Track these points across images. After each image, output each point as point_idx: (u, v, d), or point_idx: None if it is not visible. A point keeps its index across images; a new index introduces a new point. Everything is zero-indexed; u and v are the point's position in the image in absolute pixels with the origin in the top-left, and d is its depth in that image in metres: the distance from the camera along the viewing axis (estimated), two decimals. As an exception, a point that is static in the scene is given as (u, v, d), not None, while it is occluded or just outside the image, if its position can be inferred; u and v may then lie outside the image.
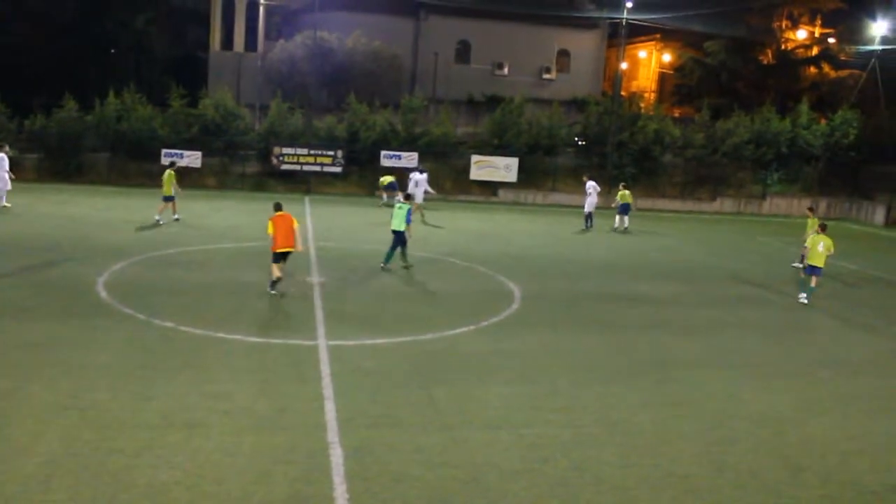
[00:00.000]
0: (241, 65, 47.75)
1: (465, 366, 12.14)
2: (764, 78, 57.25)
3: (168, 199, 24.64)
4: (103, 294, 15.14)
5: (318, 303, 15.49)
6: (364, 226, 26.87)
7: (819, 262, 18.59)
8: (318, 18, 41.94)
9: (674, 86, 64.79)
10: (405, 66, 48.85)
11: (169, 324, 13.25)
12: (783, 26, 60.76)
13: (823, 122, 44.27)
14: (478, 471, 8.51)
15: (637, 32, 53.71)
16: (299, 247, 16.09)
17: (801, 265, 21.69)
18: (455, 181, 38.25)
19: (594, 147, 41.24)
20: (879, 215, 40.15)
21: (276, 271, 15.85)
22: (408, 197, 21.34)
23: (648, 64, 71.21)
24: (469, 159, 38.09)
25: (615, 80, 46.07)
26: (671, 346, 14.25)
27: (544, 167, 39.70)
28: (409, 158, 36.35)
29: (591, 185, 30.09)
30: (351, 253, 21.46)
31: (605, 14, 49.54)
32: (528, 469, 8.65)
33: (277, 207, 16.18)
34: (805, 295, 18.80)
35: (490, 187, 38.32)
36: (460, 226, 28.77)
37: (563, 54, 55.70)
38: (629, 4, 41.60)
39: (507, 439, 9.42)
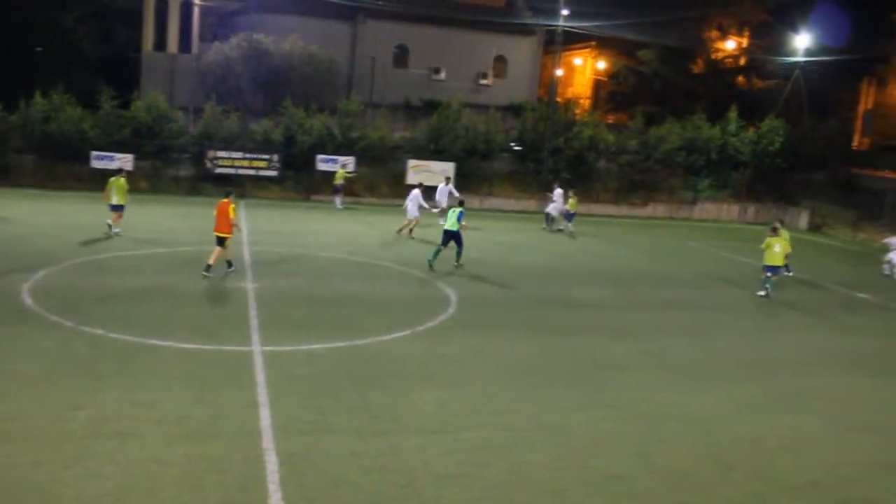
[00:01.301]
0: (175, 66, 46.85)
1: (402, 370, 12.13)
2: (695, 86, 58.66)
3: (117, 207, 22.80)
4: (28, 301, 14.68)
5: (252, 308, 15.30)
6: (300, 230, 26.65)
7: (777, 262, 20.72)
8: (254, 21, 41.45)
9: (608, 93, 65.90)
10: (342, 70, 48.56)
11: (98, 331, 12.92)
12: (713, 37, 62.42)
13: (752, 130, 45.54)
14: (413, 475, 8.52)
15: (573, 40, 54.42)
16: (226, 232, 17.80)
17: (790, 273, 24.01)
18: (392, 186, 38.20)
19: (530, 152, 41.64)
20: (803, 220, 41.48)
21: (212, 256, 17.62)
22: (461, 203, 22.76)
23: (584, 71, 72.19)
24: (406, 164, 38.09)
25: (551, 86, 46.63)
26: (605, 349, 14.47)
27: (481, 172, 39.94)
28: (346, 162, 36.17)
29: (558, 193, 32.11)
30: (287, 257, 21.25)
31: (541, 21, 50.05)
32: (464, 473, 8.69)
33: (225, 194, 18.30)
34: (767, 290, 20.88)
35: (427, 192, 38.29)
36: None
37: (500, 60, 56.12)
38: (565, 12, 42.17)
39: (444, 443, 9.45)
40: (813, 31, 49.84)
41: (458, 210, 21.44)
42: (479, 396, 11.23)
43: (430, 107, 44.57)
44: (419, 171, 37.80)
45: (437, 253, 21.10)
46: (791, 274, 24.06)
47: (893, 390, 13.63)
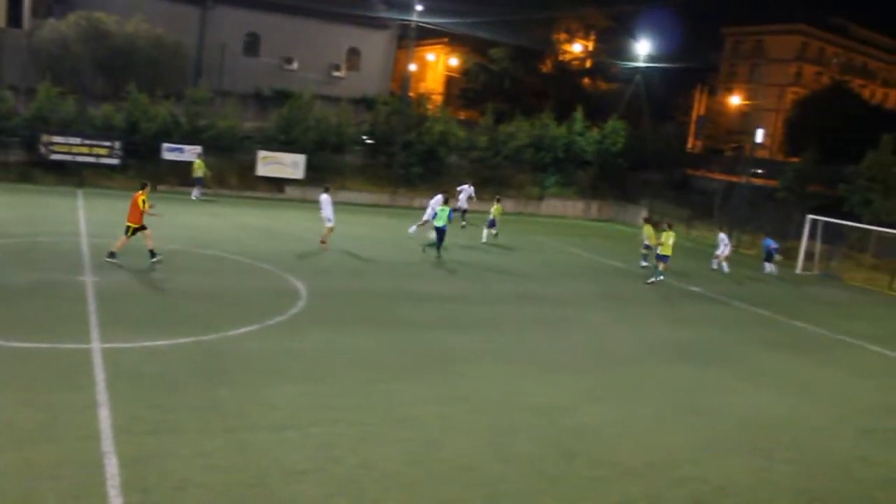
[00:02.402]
0: (4, 42, 43.62)
1: (250, 366, 11.86)
2: (544, 86, 60.59)
3: None
4: None
5: (91, 304, 14.49)
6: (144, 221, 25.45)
7: (668, 252, 24.21)
8: (93, -2, 39.18)
9: (460, 89, 66.97)
10: (190, 55, 46.79)
11: (-86, 328, 11.91)
12: (561, 39, 64.63)
13: (596, 130, 47.48)
14: (264, 473, 8.36)
15: (426, 35, 54.87)
16: (130, 221, 18.33)
17: (646, 263, 27.07)
18: (241, 177, 37.22)
19: (382, 146, 41.68)
20: (642, 218, 43.53)
21: (118, 242, 18.25)
22: (446, 201, 25.68)
23: (436, 67, 73.00)
24: (256, 155, 37.21)
25: (404, 80, 46.80)
26: (456, 342, 14.70)
27: (332, 165, 39.57)
28: (193, 152, 34.93)
29: (469, 189, 34.91)
30: (129, 250, 20.21)
31: (395, 15, 50.15)
32: (316, 468, 8.61)
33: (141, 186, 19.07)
34: (654, 278, 24.21)
35: (277, 184, 37.66)
36: (246, 222, 28.07)
37: (354, 52, 55.84)
38: (419, 7, 42.42)
39: (295, 439, 9.32)
40: (652, 40, 52.61)
41: (447, 209, 24.81)
42: (329, 391, 11.15)
43: (282, 97, 43.68)
44: (269, 162, 37.09)
45: (440, 246, 24.42)
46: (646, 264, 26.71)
47: (718, 377, 14.59)
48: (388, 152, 41.32)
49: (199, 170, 33.30)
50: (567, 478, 9.26)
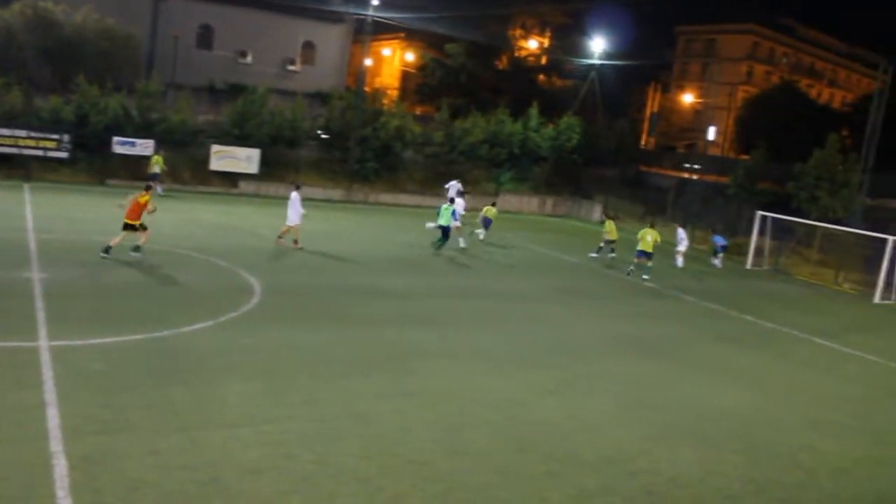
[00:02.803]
0: (-56, 31, 42.44)
1: (203, 363, 11.72)
2: (499, 82, 60.82)
3: None
4: None
5: (39, 300, 14.17)
6: (94, 217, 25.03)
7: (649, 249, 25.22)
8: (40, -13, 38.28)
9: (416, 84, 66.90)
10: (142, 47, 46.03)
11: None
12: (517, 35, 64.93)
13: (551, 126, 47.79)
14: (218, 471, 8.28)
15: (382, 30, 54.79)
16: (132, 219, 18.68)
17: (596, 255, 29.02)
18: (194, 171, 36.71)
19: (337, 141, 41.43)
20: (596, 213, 44.14)
21: (115, 239, 18.50)
22: (452, 201, 27.15)
23: (392, 62, 72.84)
24: (209, 149, 36.73)
25: (359, 75, 46.61)
26: (410, 337, 14.71)
27: (287, 159, 39.27)
28: (145, 146, 34.38)
29: (457, 184, 35.07)
30: (78, 246, 19.84)
31: (351, 9, 49.91)
32: (270, 466, 8.56)
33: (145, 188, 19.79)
34: (632, 270, 25.69)
35: (231, 178, 37.22)
36: (199, 218, 27.72)
37: (309, 46, 55.44)
38: (375, 2, 42.24)
39: (248, 437, 9.25)
40: (607, 37, 53.13)
41: (451, 208, 26.09)
42: (284, 388, 11.09)
43: (236, 91, 43.17)
44: (222, 156, 36.62)
45: (442, 243, 25.50)
46: (614, 255, 28.46)
47: (670, 370, 14.82)
48: (344, 147, 41.11)
49: (157, 165, 32.77)
50: (521, 471, 9.33)
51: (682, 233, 30.38)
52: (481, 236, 30.42)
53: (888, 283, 28.66)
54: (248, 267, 19.33)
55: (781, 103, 56.01)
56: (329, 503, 8.00)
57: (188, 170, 36.67)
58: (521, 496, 8.73)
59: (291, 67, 53.46)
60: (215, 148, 36.66)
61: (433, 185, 42.44)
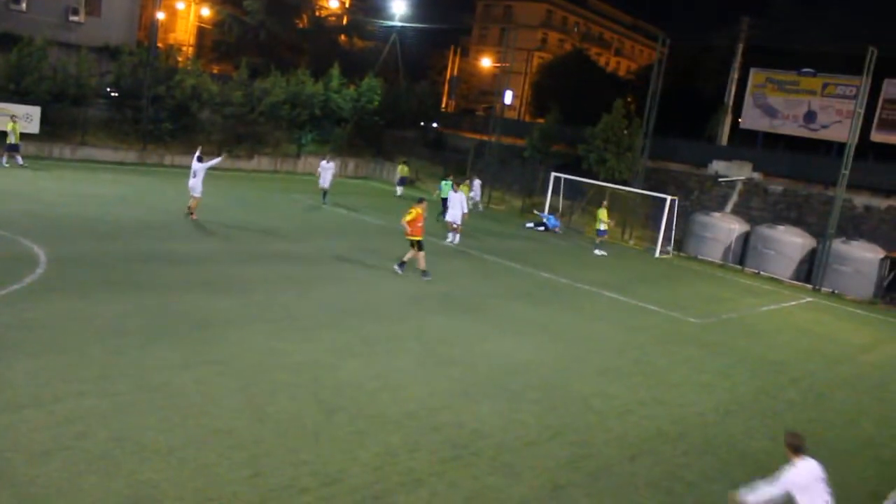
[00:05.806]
0: None
1: (-17, 341, 10.84)
2: (300, 41, 59.56)
3: None
4: None
5: None
6: None
7: (605, 226, 29.07)
8: None
9: (213, 42, 64.17)
10: None
11: None
12: (317, -7, 63.73)
13: (352, 88, 47.52)
14: (3, 457, 7.74)
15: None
16: None
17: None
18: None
19: (128, 100, 39.03)
20: (394, 175, 44.53)
21: None
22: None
23: (187, 17, 69.45)
24: (-20, 106, 33.45)
25: (151, 29, 44.01)
26: (210, 304, 14.30)
27: (72, 119, 36.49)
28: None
29: (477, 184, 36.90)
30: None
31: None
32: (62, 447, 8.11)
33: None
34: (600, 250, 28.85)
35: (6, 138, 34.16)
36: (-28, 182, 25.32)
37: (94, -4, 51.57)
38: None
39: (36, 418, 8.70)
40: (409, 0, 53.37)
41: (450, 182, 28.86)
42: (74, 363, 10.47)
43: (9, 41, 39.42)
44: (-2, 114, 33.48)
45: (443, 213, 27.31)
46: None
47: (471, 327, 15.42)
48: (136, 106, 38.75)
49: (14, 133, 29.90)
50: (327, 433, 9.42)
51: (477, 183, 35.70)
52: (399, 193, 35.23)
53: (667, 239, 31.28)
54: (32, 235, 17.87)
55: (573, 70, 58.75)
56: (129, 480, 7.71)
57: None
58: (329, 458, 8.82)
59: (74, 18, 49.38)
60: (-11, 105, 33.41)
61: (232, 147, 41.09)
